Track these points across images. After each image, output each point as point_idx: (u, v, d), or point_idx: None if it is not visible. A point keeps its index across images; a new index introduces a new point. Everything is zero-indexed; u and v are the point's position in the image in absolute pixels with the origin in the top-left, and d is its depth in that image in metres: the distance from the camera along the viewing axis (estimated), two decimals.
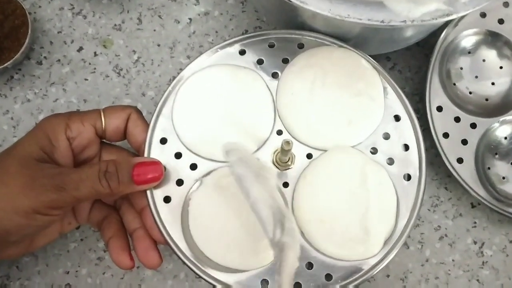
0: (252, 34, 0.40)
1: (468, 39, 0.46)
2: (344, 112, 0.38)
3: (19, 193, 0.34)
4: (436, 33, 0.46)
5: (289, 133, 0.38)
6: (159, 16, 0.49)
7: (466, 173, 0.43)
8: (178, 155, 0.37)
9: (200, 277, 0.35)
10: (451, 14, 0.34)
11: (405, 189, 0.37)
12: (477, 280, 0.45)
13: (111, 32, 0.49)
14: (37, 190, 0.34)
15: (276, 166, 0.37)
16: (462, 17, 0.45)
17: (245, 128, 0.38)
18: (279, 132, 0.38)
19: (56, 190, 0.34)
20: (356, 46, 0.45)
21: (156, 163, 0.36)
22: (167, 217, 0.36)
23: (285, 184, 0.37)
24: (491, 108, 0.45)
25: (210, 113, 0.38)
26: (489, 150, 0.45)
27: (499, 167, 0.44)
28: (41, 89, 0.48)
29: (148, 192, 0.36)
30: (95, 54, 0.48)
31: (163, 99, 0.39)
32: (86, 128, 0.37)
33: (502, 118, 0.44)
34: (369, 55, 0.48)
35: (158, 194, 0.37)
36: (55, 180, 0.34)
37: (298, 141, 0.38)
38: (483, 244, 0.46)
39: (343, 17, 0.34)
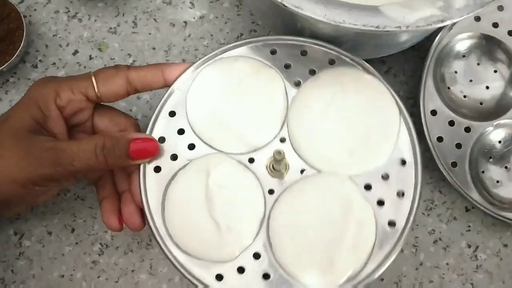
0: (288, 38, 0.39)
1: (462, 43, 0.46)
2: (351, 140, 0.37)
3: (15, 166, 0.34)
4: (430, 36, 0.46)
5: (291, 143, 0.38)
6: (155, 20, 0.49)
7: (461, 177, 0.43)
8: (180, 131, 0.38)
9: (165, 256, 0.36)
10: (446, 20, 0.34)
11: (386, 235, 0.36)
12: (471, 284, 0.45)
13: (106, 35, 0.49)
14: (33, 165, 0.34)
15: (269, 172, 0.37)
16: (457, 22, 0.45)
17: (251, 125, 0.38)
18: (282, 140, 0.38)
19: (51, 165, 0.34)
20: (351, 50, 0.46)
21: (152, 140, 0.37)
22: (152, 186, 0.37)
23: (271, 191, 0.37)
24: (486, 112, 0.45)
25: (223, 100, 0.38)
26: (483, 154, 0.45)
27: (493, 171, 0.44)
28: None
29: None
30: (91, 58, 0.48)
31: (185, 74, 0.38)
32: (77, 97, 0.37)
33: (496, 122, 0.44)
34: (364, 59, 0.49)
35: (151, 164, 0.37)
36: (50, 154, 0.34)
37: (297, 154, 0.38)
38: (477, 247, 0.46)
39: (338, 22, 0.34)
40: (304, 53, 0.39)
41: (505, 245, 0.46)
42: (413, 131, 0.38)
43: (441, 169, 0.43)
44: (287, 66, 0.39)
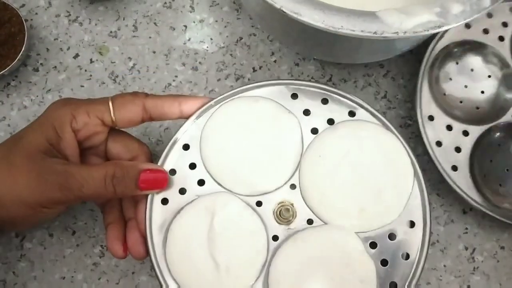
0: (311, 84, 0.39)
1: (455, 50, 0.47)
2: (362, 196, 0.37)
3: (25, 187, 0.35)
4: (427, 41, 0.46)
5: (301, 192, 0.37)
6: (155, 23, 0.49)
7: (462, 180, 0.44)
8: (192, 166, 0.37)
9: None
10: (443, 25, 0.35)
11: None
12: (468, 286, 0.45)
13: (107, 39, 0.49)
14: (43, 187, 0.34)
15: (276, 218, 0.37)
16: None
17: (263, 168, 0.38)
18: (292, 186, 0.37)
19: (60, 190, 0.34)
20: (349, 55, 0.46)
21: (162, 172, 0.37)
22: (157, 218, 0.37)
23: (275, 237, 0.36)
24: (482, 116, 0.46)
25: (238, 140, 0.38)
26: (484, 156, 0.45)
27: (495, 173, 0.45)
28: (37, 96, 0.48)
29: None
30: (91, 61, 0.49)
31: (204, 108, 0.38)
32: (92, 121, 0.37)
33: (493, 125, 0.45)
34: (362, 63, 0.49)
35: (159, 195, 0.37)
36: (60, 179, 0.35)
37: (306, 203, 0.37)
38: (474, 250, 0.46)
39: (336, 28, 0.34)
40: (325, 101, 0.39)
41: (502, 247, 0.46)
42: (425, 193, 0.37)
43: (442, 174, 0.44)
44: (306, 113, 0.38)
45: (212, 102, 0.38)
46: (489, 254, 0.46)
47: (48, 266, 0.45)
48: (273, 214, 0.37)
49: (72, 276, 0.45)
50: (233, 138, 0.38)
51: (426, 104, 0.45)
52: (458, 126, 0.45)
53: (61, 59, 0.49)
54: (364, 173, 0.37)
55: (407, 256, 0.36)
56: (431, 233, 0.37)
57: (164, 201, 0.37)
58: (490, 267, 0.46)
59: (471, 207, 0.46)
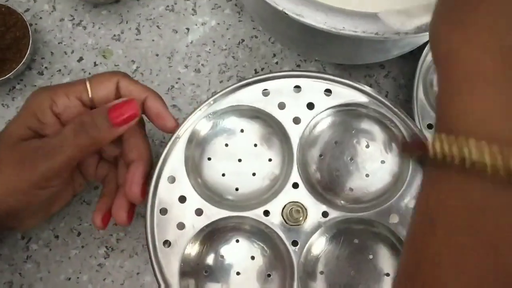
0: (314, 75, 0.38)
1: None
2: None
3: (13, 174, 0.35)
4: (421, 47, 0.46)
5: (306, 187, 0.37)
6: (157, 27, 0.50)
7: None
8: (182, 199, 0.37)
9: None
10: None
11: None
12: None
13: (110, 42, 0.50)
14: (27, 168, 0.35)
15: (285, 221, 0.37)
16: None
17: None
18: (295, 185, 0.37)
19: (43, 161, 0.35)
20: (351, 56, 0.47)
21: (131, 100, 0.36)
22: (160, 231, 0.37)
23: (294, 243, 0.36)
24: None
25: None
26: None
27: None
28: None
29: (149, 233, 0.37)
30: (95, 64, 0.49)
31: (205, 106, 0.38)
32: (72, 102, 0.37)
33: None
34: (363, 64, 0.49)
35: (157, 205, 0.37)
36: (40, 151, 0.35)
37: (315, 197, 0.37)
38: None
39: (338, 29, 0.35)
40: (328, 91, 0.38)
41: None
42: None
43: None
44: (309, 106, 0.38)
45: (210, 101, 0.38)
46: None
47: (53, 267, 0.45)
48: (282, 216, 0.37)
49: (78, 277, 0.45)
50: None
51: (424, 113, 0.45)
52: None
53: (66, 62, 0.49)
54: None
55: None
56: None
57: (163, 212, 0.37)
58: None
59: None
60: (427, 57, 0.46)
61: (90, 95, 0.37)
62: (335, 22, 0.35)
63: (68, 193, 0.40)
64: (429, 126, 0.45)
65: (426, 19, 0.35)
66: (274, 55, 0.50)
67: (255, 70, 0.49)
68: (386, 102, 0.38)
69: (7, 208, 0.35)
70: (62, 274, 0.45)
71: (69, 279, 0.45)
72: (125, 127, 0.36)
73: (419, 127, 0.44)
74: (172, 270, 0.36)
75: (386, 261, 0.37)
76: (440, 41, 0.26)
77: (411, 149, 0.33)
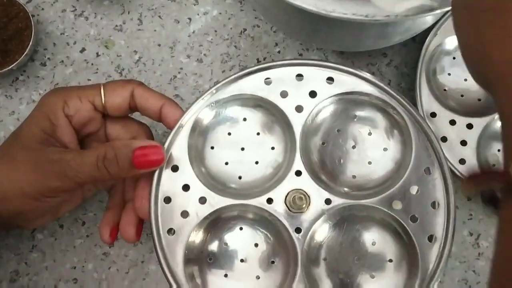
0: (316, 63, 0.38)
1: (449, 45, 0.47)
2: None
3: (25, 179, 0.35)
4: (424, 37, 0.46)
5: (308, 175, 0.37)
6: (159, 17, 0.50)
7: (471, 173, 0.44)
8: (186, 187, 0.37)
9: None
10: (436, 9, 0.35)
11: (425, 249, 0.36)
12: (473, 271, 0.46)
13: (112, 33, 0.50)
14: (41, 177, 0.35)
15: (288, 208, 0.37)
16: (442, 24, 0.46)
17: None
18: (298, 173, 0.37)
19: (58, 178, 0.35)
20: (352, 43, 0.46)
21: (157, 146, 0.36)
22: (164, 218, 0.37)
23: (298, 230, 0.37)
24: (485, 107, 0.46)
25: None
26: (490, 147, 0.45)
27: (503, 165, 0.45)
28: (45, 89, 0.49)
29: (153, 222, 0.37)
30: (97, 55, 0.49)
31: (207, 95, 0.38)
32: (84, 105, 0.37)
33: (496, 115, 0.45)
34: (365, 52, 0.49)
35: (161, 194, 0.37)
36: (56, 167, 0.35)
37: (318, 184, 0.37)
38: (479, 235, 0.47)
39: (328, 12, 0.35)
40: (330, 80, 0.38)
41: None
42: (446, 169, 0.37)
43: (451, 168, 0.44)
44: (312, 94, 0.38)
45: (213, 90, 0.38)
46: (494, 239, 0.46)
47: (59, 256, 0.46)
48: (285, 204, 0.37)
49: (83, 266, 0.46)
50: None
51: (427, 102, 0.45)
52: (461, 120, 0.45)
53: (68, 53, 0.49)
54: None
55: (438, 205, 0.36)
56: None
57: (167, 200, 0.37)
58: None
59: (475, 193, 0.47)
60: (430, 45, 0.46)
61: (103, 101, 0.37)
62: (325, 4, 0.35)
63: (77, 198, 0.41)
64: (432, 115, 0.45)
65: (418, 1, 0.35)
66: (276, 44, 0.50)
67: (257, 59, 0.49)
68: (389, 90, 0.38)
69: (15, 208, 0.36)
70: (67, 263, 0.46)
71: (74, 268, 0.46)
72: (146, 170, 0.36)
73: (422, 115, 0.44)
74: (177, 258, 0.37)
75: (389, 247, 0.37)
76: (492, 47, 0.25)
77: (481, 181, 0.31)
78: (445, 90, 0.46)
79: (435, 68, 0.47)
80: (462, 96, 0.47)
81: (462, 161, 0.44)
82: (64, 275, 0.45)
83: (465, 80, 0.47)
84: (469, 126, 0.45)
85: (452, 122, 0.45)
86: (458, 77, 0.47)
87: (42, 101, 0.38)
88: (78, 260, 0.46)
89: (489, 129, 0.45)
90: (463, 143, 0.45)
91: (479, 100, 0.46)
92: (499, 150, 0.45)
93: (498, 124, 0.45)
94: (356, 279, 0.37)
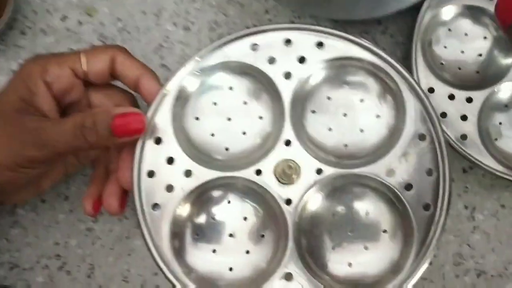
0: (305, 27, 0.36)
1: (445, 16, 0.45)
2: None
3: (1, 149, 0.34)
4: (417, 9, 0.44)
5: (298, 144, 0.36)
6: None
7: (473, 148, 0.42)
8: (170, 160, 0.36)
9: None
10: None
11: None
12: (468, 245, 0.45)
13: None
14: (18, 147, 0.34)
15: (278, 179, 0.35)
16: None
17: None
18: (287, 143, 0.36)
19: (35, 147, 0.33)
20: (346, 10, 0.44)
21: (138, 113, 0.34)
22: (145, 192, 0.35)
23: (288, 202, 0.35)
24: (484, 79, 0.44)
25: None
26: (491, 119, 0.44)
27: (506, 137, 0.44)
28: (26, 59, 0.47)
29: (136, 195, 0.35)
30: (80, 23, 0.47)
31: (192, 64, 0.36)
32: (64, 72, 0.36)
33: (496, 87, 0.43)
34: (359, 20, 0.47)
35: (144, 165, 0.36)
36: (33, 136, 0.34)
37: (309, 154, 0.36)
38: (474, 209, 0.45)
39: None
40: (320, 45, 0.36)
41: (503, 206, 0.45)
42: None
43: (452, 145, 0.42)
44: (301, 60, 0.36)
45: (197, 57, 0.37)
46: (489, 213, 0.45)
47: (41, 232, 0.44)
48: (275, 175, 0.35)
49: (66, 242, 0.44)
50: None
51: (424, 77, 0.43)
52: (460, 94, 0.43)
53: (49, 21, 0.47)
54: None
55: (430, 173, 0.35)
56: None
57: (151, 174, 0.35)
58: (490, 226, 0.45)
59: (471, 166, 0.46)
60: (425, 15, 0.44)
61: (84, 67, 0.36)
62: None
63: (59, 172, 0.39)
64: (430, 90, 0.43)
65: None
66: (267, 11, 0.48)
67: (247, 27, 0.47)
68: (382, 54, 0.36)
69: None
70: (50, 239, 0.44)
71: (57, 244, 0.44)
72: (127, 138, 0.34)
73: (416, 79, 0.42)
74: (162, 234, 0.35)
75: (383, 217, 0.36)
76: None
77: None
78: (442, 63, 0.45)
79: (431, 39, 0.45)
80: (459, 69, 0.45)
81: (463, 137, 0.43)
82: (47, 252, 0.44)
83: (462, 52, 0.45)
84: (469, 100, 0.43)
85: (451, 97, 0.43)
86: (454, 49, 0.45)
87: (21, 68, 0.36)
88: (61, 236, 0.44)
89: (490, 102, 0.43)
90: (464, 118, 0.43)
91: (477, 72, 0.45)
92: (500, 123, 0.44)
93: (499, 95, 0.44)
94: (350, 251, 0.36)
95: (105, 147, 0.38)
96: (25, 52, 0.47)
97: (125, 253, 0.44)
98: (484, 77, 0.44)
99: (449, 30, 0.45)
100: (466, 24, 0.45)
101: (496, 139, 0.43)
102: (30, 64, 0.36)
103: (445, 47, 0.45)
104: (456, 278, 0.44)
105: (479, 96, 0.43)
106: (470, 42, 0.45)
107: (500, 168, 0.42)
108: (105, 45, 0.37)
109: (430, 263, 0.41)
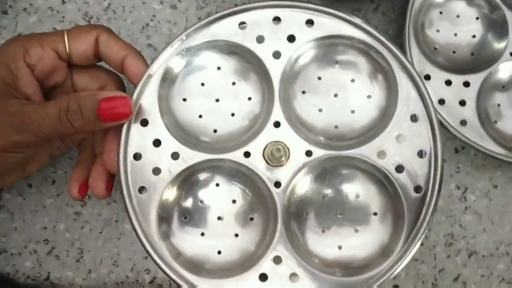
0: (294, 4, 0.35)
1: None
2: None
3: None
4: None
5: (288, 126, 0.35)
6: None
7: (473, 133, 0.42)
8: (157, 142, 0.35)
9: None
10: None
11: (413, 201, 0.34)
12: (460, 225, 0.45)
13: None
14: (1, 131, 0.33)
15: (267, 161, 0.35)
16: None
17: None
18: (277, 124, 0.35)
19: (18, 131, 0.32)
20: None
21: (125, 97, 0.33)
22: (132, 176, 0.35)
23: (277, 184, 0.35)
24: (479, 61, 0.44)
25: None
26: (490, 100, 0.43)
27: (505, 118, 0.43)
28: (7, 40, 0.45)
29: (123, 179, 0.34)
30: (63, 2, 0.46)
31: (178, 42, 0.35)
32: (47, 53, 0.35)
33: (493, 69, 0.43)
34: None
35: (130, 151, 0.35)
36: (16, 120, 0.32)
37: (298, 135, 0.35)
38: (466, 189, 0.45)
39: None
40: (310, 23, 0.35)
41: (495, 186, 0.45)
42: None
43: (452, 132, 0.42)
44: (290, 39, 0.35)
45: (183, 36, 0.35)
46: (481, 193, 0.45)
47: (28, 217, 0.44)
48: (264, 158, 0.35)
49: (54, 226, 0.44)
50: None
51: (419, 64, 0.42)
52: (457, 79, 0.43)
53: (31, 0, 0.46)
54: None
55: (422, 154, 0.34)
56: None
57: (137, 157, 0.34)
58: (482, 206, 0.45)
59: (464, 146, 0.45)
60: (413, 7, 0.43)
61: (67, 48, 0.35)
62: None
63: (44, 156, 0.38)
64: (426, 77, 0.42)
65: None
66: None
67: (236, 5, 0.46)
68: (373, 32, 0.35)
69: None
70: (37, 223, 0.44)
71: (45, 228, 0.44)
72: (114, 123, 0.33)
73: (409, 59, 0.41)
74: (150, 217, 0.34)
75: (373, 199, 0.35)
76: None
77: None
78: (435, 48, 0.44)
79: (424, 22, 0.44)
80: (454, 52, 0.44)
81: (463, 123, 0.42)
82: (35, 236, 0.43)
83: (455, 35, 0.44)
84: (466, 84, 0.43)
85: (448, 83, 0.43)
86: (447, 32, 0.44)
87: (1, 50, 0.35)
88: (49, 220, 0.44)
89: (487, 84, 0.43)
90: (462, 103, 0.42)
91: (472, 54, 0.44)
92: (499, 105, 0.43)
93: (496, 77, 0.43)
94: (339, 234, 0.35)
95: (91, 131, 0.37)
96: (7, 32, 0.45)
97: (114, 237, 0.44)
98: (479, 59, 0.44)
99: (441, 13, 0.44)
100: (457, 5, 0.44)
101: (495, 122, 0.43)
102: (11, 45, 0.35)
103: (437, 30, 0.44)
104: (447, 259, 0.44)
105: (476, 79, 0.43)
106: (462, 24, 0.44)
107: (502, 151, 0.42)
108: (89, 25, 0.36)
109: (422, 244, 0.40)
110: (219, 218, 0.36)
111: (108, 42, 0.35)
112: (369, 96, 0.36)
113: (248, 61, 0.36)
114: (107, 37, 0.35)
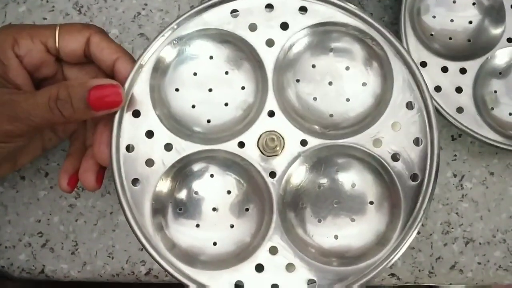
0: None
1: None
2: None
3: None
4: None
5: (282, 115, 0.34)
6: None
7: (470, 120, 0.41)
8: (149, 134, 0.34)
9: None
10: None
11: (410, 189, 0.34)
12: (456, 213, 0.44)
13: None
14: None
15: (261, 151, 0.34)
16: None
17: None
18: (271, 114, 0.34)
19: (9, 121, 0.32)
20: None
21: (115, 85, 0.33)
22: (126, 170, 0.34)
23: (272, 174, 0.34)
24: (475, 48, 0.43)
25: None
26: (487, 87, 0.43)
27: (502, 105, 0.43)
28: None
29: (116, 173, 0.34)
30: None
31: (168, 33, 0.35)
32: (36, 46, 0.34)
33: (489, 56, 0.42)
34: None
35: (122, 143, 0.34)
36: (6, 109, 0.32)
37: (293, 125, 0.34)
38: (463, 177, 0.45)
39: None
40: (303, 10, 0.35)
41: (491, 173, 0.45)
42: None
43: (449, 119, 0.41)
44: (284, 26, 0.35)
45: (174, 25, 0.35)
46: (478, 180, 0.45)
47: (22, 209, 0.43)
48: (258, 148, 0.34)
49: (48, 219, 0.43)
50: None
51: (415, 51, 0.42)
52: (453, 66, 0.42)
53: None
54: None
55: (418, 142, 0.34)
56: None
57: (130, 148, 0.34)
58: (479, 193, 0.45)
59: (460, 134, 0.45)
60: None
61: (57, 44, 0.34)
62: None
63: (36, 148, 0.38)
64: (423, 64, 0.42)
65: None
66: None
67: None
68: (367, 18, 0.34)
69: None
70: (31, 216, 0.43)
71: (39, 221, 0.43)
72: (105, 111, 0.33)
73: (404, 46, 0.41)
74: (144, 209, 0.34)
75: (369, 188, 0.35)
76: None
77: None
78: (431, 35, 0.43)
79: (419, 8, 0.43)
80: (450, 39, 0.43)
81: (459, 110, 0.41)
82: (29, 229, 0.43)
83: (452, 21, 0.43)
84: (462, 71, 0.42)
85: (444, 69, 0.42)
86: (443, 18, 0.43)
87: None
88: (43, 212, 0.43)
89: (484, 71, 0.42)
90: (458, 90, 0.42)
91: (469, 40, 0.43)
92: (495, 91, 0.43)
93: (492, 63, 0.42)
94: (336, 224, 0.35)
95: (82, 120, 0.37)
96: None
97: (109, 228, 0.43)
98: (476, 45, 0.43)
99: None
100: None
101: (492, 108, 0.42)
102: (1, 34, 0.35)
103: (434, 16, 0.43)
104: (444, 247, 0.44)
105: (472, 65, 0.42)
106: (459, 10, 0.44)
107: (499, 138, 0.41)
108: (82, 24, 0.35)
109: (418, 233, 0.40)
110: (214, 209, 0.36)
111: (100, 44, 0.35)
112: (364, 84, 0.35)
113: (241, 50, 0.35)
114: (99, 39, 0.35)
